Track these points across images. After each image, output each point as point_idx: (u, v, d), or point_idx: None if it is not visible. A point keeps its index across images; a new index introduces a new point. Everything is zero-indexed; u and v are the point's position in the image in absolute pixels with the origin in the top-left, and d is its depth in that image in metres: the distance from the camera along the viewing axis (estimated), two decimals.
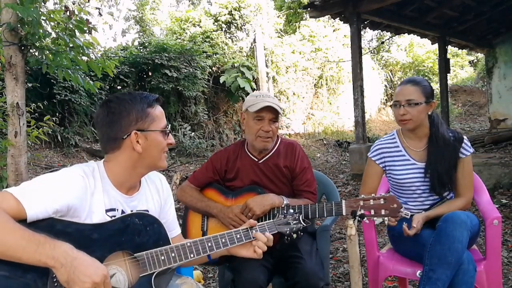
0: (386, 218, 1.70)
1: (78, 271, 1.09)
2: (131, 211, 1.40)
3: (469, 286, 1.71)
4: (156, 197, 1.51)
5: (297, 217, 1.63)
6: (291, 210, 1.65)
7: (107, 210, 1.33)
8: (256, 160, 2.07)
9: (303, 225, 1.62)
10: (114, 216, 1.33)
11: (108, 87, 8.38)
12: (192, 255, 1.36)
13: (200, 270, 3.07)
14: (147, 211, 1.45)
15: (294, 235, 1.60)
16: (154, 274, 1.29)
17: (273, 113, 1.98)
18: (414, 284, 2.64)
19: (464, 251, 1.73)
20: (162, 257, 1.31)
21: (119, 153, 1.35)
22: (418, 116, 1.97)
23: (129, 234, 1.29)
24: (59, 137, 7.48)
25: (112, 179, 1.36)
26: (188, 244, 1.37)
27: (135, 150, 1.34)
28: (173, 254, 1.33)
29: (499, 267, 1.93)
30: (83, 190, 1.27)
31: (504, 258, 3.00)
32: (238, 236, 1.46)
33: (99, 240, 1.24)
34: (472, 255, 1.79)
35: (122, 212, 1.37)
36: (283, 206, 1.88)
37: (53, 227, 1.19)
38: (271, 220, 1.60)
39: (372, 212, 1.68)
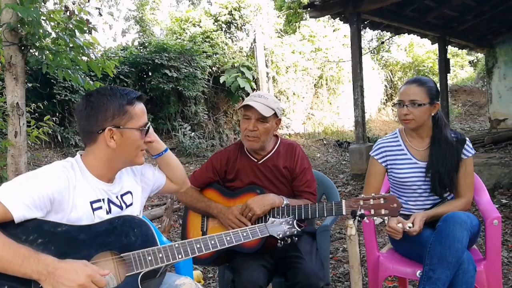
0: (386, 218, 1.70)
1: (63, 278, 1.13)
2: (116, 197, 1.42)
3: (469, 286, 1.71)
4: (131, 178, 1.53)
5: (290, 222, 1.60)
6: (285, 215, 1.63)
7: (92, 202, 1.34)
8: (256, 161, 2.07)
9: (297, 229, 1.59)
10: (100, 207, 1.35)
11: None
12: (180, 256, 1.36)
13: (200, 270, 3.07)
14: (130, 192, 1.48)
15: (288, 240, 1.58)
16: (141, 274, 1.29)
17: (259, 114, 1.95)
18: (414, 284, 2.64)
19: (464, 251, 1.73)
20: (149, 257, 1.31)
21: (95, 147, 1.37)
22: (421, 117, 1.97)
23: (116, 235, 1.31)
24: (59, 137, 7.48)
25: (91, 171, 1.37)
26: (176, 245, 1.38)
27: (109, 146, 1.35)
28: (160, 255, 1.33)
29: (499, 267, 1.93)
30: (64, 183, 1.28)
31: (504, 258, 3.00)
32: (228, 238, 1.46)
33: (86, 240, 1.26)
34: (472, 255, 1.79)
35: (109, 200, 1.39)
36: (283, 206, 1.88)
37: (41, 227, 1.21)
38: (263, 223, 1.57)
39: (372, 211, 1.68)
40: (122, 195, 1.45)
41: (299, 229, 1.60)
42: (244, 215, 1.88)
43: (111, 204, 1.40)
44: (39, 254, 1.15)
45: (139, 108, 1.40)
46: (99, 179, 1.38)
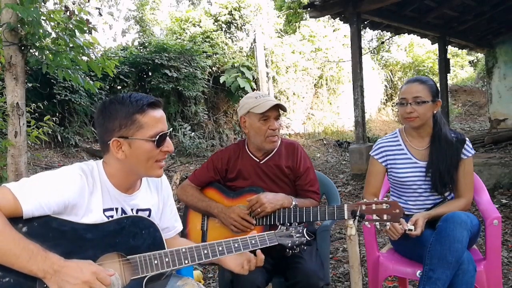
0: (388, 223, 1.69)
1: (68, 276, 1.13)
2: (132, 209, 1.39)
3: (469, 286, 1.71)
4: (156, 196, 1.50)
5: (300, 230, 1.57)
6: (296, 223, 1.61)
7: (105, 210, 1.32)
8: (258, 160, 2.07)
9: (307, 239, 1.57)
10: (112, 216, 1.33)
11: (108, 87, 8.38)
12: (186, 261, 1.34)
13: (200, 270, 3.07)
14: (149, 210, 1.45)
15: (297, 249, 1.55)
16: (146, 278, 1.27)
17: (277, 111, 1.99)
18: (414, 284, 2.64)
19: (464, 251, 1.73)
20: (155, 261, 1.29)
21: (109, 156, 1.34)
22: (425, 114, 1.98)
23: (124, 236, 1.29)
24: (59, 137, 7.48)
25: (110, 179, 1.35)
26: (183, 250, 1.35)
27: (117, 158, 1.31)
28: (166, 259, 1.31)
29: (499, 267, 1.93)
30: (80, 188, 1.27)
31: (504, 258, 3.00)
32: (236, 245, 1.43)
33: (93, 240, 1.25)
34: (472, 255, 1.79)
35: (122, 210, 1.37)
36: (291, 206, 1.88)
37: (49, 224, 1.21)
38: (272, 232, 1.54)
39: (374, 216, 1.67)
40: (138, 210, 1.42)
41: (308, 238, 1.57)
42: (253, 209, 1.87)
43: (123, 215, 1.38)
44: (47, 252, 1.14)
45: (151, 116, 1.31)
46: (116, 188, 1.36)
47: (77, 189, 1.26)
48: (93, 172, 1.33)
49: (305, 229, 1.60)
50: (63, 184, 1.24)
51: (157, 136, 1.31)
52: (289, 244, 1.54)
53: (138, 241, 1.30)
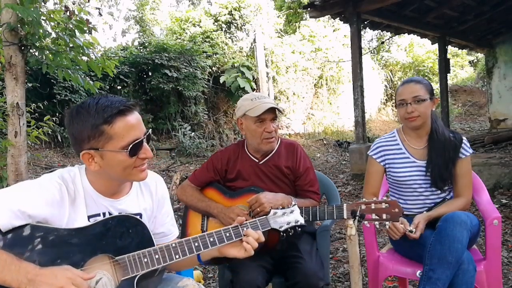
0: (387, 223, 1.69)
1: (42, 283, 1.11)
2: (120, 213, 1.34)
3: (469, 286, 1.71)
4: (149, 200, 1.45)
5: (294, 212, 1.54)
6: (288, 206, 1.57)
7: (90, 216, 1.29)
8: (257, 161, 2.07)
9: (299, 220, 1.53)
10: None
11: (108, 87, 8.38)
12: (177, 256, 1.29)
13: (200, 270, 3.07)
14: (140, 214, 1.40)
15: (291, 231, 1.50)
16: (137, 277, 1.25)
17: (273, 113, 1.98)
18: (414, 284, 2.64)
19: (464, 251, 1.73)
20: (145, 259, 1.26)
21: (86, 164, 1.29)
22: (426, 113, 1.99)
23: (111, 237, 1.26)
24: (59, 137, 7.49)
25: (92, 185, 1.32)
26: (173, 245, 1.30)
27: (91, 169, 1.26)
28: (156, 256, 1.27)
29: (499, 267, 1.93)
30: (60, 199, 1.24)
31: (504, 258, 3.00)
32: (228, 234, 1.38)
33: (79, 244, 1.22)
34: (472, 255, 1.79)
35: (109, 215, 1.33)
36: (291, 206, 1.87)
37: (34, 233, 1.18)
38: (264, 216, 1.49)
39: (374, 216, 1.67)
40: None
41: (302, 219, 1.53)
42: (252, 209, 1.87)
43: None
44: (21, 262, 1.12)
45: (121, 125, 1.22)
46: (100, 194, 1.32)
47: (55, 201, 1.23)
48: (75, 179, 1.29)
49: (298, 210, 1.56)
50: (40, 197, 1.21)
51: (130, 146, 1.23)
52: (283, 228, 1.49)
53: (125, 241, 1.27)
